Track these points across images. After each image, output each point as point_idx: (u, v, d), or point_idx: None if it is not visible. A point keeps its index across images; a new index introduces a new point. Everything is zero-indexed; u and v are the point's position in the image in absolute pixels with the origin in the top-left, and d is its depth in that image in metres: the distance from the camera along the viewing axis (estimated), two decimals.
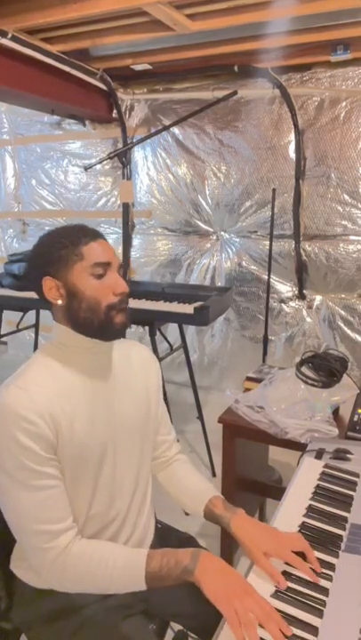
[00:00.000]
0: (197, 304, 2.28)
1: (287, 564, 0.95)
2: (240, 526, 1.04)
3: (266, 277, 3.02)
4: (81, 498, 0.99)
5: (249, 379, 1.95)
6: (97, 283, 0.98)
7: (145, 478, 1.15)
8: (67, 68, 2.82)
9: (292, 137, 3.03)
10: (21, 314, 3.15)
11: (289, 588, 0.91)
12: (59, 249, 0.99)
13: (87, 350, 1.01)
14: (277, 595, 0.90)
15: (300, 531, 1.06)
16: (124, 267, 3.63)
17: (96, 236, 1.02)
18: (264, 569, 0.94)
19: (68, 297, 0.98)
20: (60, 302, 0.99)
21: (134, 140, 3.11)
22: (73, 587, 0.94)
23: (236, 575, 0.90)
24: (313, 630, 0.82)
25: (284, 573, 0.94)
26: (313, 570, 0.94)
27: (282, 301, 3.35)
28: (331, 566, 0.96)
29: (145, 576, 0.90)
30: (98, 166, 3.50)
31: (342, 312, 3.17)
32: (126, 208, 3.61)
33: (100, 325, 0.99)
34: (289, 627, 0.81)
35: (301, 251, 3.16)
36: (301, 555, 0.96)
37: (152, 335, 2.43)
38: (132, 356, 1.15)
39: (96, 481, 1.01)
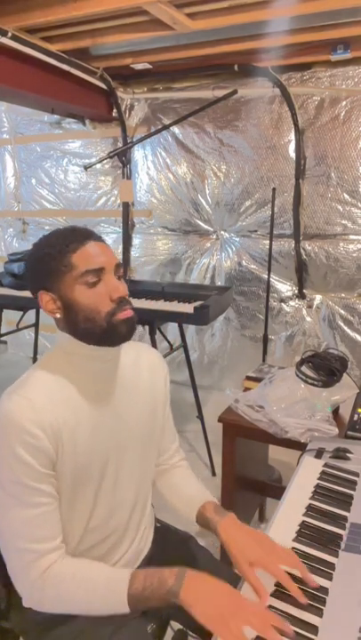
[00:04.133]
0: (197, 303, 2.28)
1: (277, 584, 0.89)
2: (227, 531, 0.97)
3: (266, 277, 3.02)
4: (80, 511, 0.97)
5: (249, 378, 1.95)
6: (90, 291, 0.92)
7: (147, 487, 1.12)
8: (67, 67, 2.82)
9: (292, 136, 3.03)
10: (21, 313, 3.15)
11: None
12: (47, 261, 0.93)
13: (93, 358, 0.97)
14: (277, 594, 0.89)
15: (300, 530, 1.06)
16: (124, 265, 3.61)
17: (86, 238, 0.94)
18: (249, 581, 0.88)
19: (64, 309, 0.94)
20: (58, 315, 0.95)
21: (134, 140, 3.11)
22: (52, 607, 0.90)
23: (224, 590, 0.84)
24: (313, 629, 0.82)
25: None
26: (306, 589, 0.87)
27: (282, 301, 3.35)
28: (330, 565, 0.96)
29: (127, 598, 0.85)
30: (98, 165, 3.49)
31: (342, 311, 3.17)
32: (126, 207, 3.61)
33: (102, 333, 0.94)
34: (289, 626, 0.80)
35: (301, 250, 3.16)
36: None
37: (152, 334, 2.43)
38: (142, 360, 1.11)
39: (97, 493, 0.98)
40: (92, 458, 0.96)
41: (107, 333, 0.94)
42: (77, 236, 0.94)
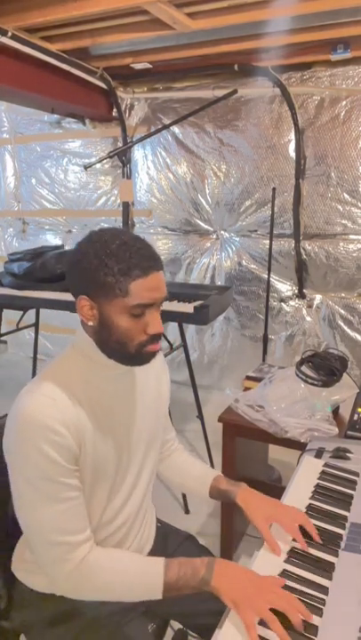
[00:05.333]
0: (197, 303, 2.28)
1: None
2: (244, 498, 1.12)
3: (266, 276, 3.02)
4: (95, 506, 0.99)
5: (249, 378, 1.95)
6: (132, 321, 0.92)
7: (151, 482, 1.16)
8: (67, 67, 2.82)
9: (292, 136, 3.03)
10: (21, 313, 3.15)
11: (288, 587, 0.91)
12: (104, 274, 0.89)
13: (111, 367, 0.99)
14: None
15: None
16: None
17: (151, 268, 0.91)
18: (262, 533, 1.02)
19: (100, 323, 0.94)
20: (91, 323, 0.95)
21: (134, 139, 3.10)
22: (90, 596, 0.94)
23: (250, 574, 0.90)
24: (313, 629, 0.82)
25: (284, 573, 0.94)
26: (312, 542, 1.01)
27: (282, 300, 3.35)
28: (330, 565, 0.96)
29: (162, 586, 0.90)
30: (98, 165, 3.49)
31: (342, 311, 3.17)
32: (126, 207, 3.60)
33: (127, 357, 0.96)
34: (310, 613, 0.84)
35: (301, 250, 3.16)
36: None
37: None
38: (149, 364, 1.13)
39: (111, 489, 1.01)
40: (108, 456, 0.98)
41: (131, 358, 0.97)
42: (144, 263, 0.91)
